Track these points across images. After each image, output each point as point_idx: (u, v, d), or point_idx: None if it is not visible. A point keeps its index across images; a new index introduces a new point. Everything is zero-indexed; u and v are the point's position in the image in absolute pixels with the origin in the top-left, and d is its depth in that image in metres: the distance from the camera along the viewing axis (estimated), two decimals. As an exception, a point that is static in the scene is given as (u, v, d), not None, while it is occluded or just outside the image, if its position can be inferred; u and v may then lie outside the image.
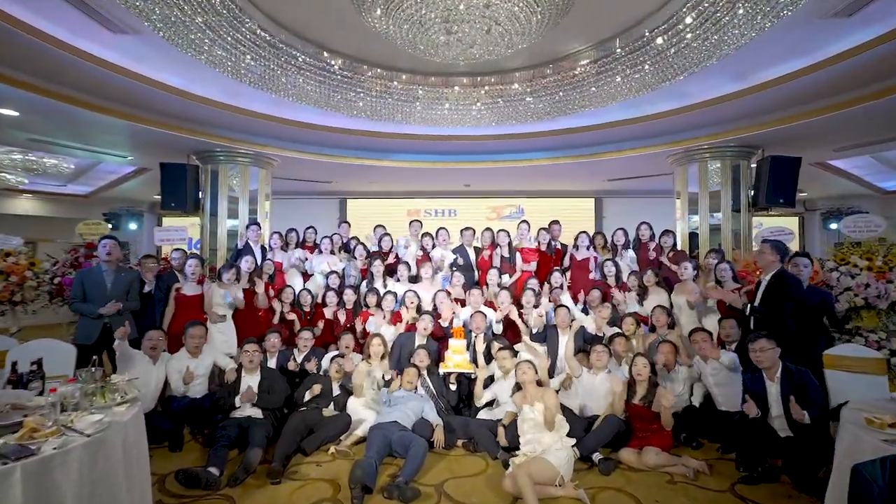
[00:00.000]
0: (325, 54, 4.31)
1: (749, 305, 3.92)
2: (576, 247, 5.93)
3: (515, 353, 4.54)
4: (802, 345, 3.64)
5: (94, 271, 4.36)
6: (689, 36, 3.55)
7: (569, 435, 3.36)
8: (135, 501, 2.38)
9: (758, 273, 5.41)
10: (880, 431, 2.16)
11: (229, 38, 3.65)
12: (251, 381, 4.00)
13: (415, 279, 5.61)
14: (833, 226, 11.10)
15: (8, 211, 10.36)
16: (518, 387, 3.67)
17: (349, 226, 6.91)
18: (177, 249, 5.51)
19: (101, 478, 2.13)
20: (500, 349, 4.23)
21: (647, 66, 4.01)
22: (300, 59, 4.06)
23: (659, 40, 3.64)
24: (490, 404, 4.20)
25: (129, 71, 4.54)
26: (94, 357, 2.73)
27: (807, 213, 11.67)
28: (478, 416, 4.12)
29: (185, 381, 3.97)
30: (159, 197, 10.40)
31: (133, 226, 11.30)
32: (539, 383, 3.69)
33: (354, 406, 4.16)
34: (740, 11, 3.17)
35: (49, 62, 4.21)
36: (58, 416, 2.23)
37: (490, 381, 4.31)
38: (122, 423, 2.36)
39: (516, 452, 3.36)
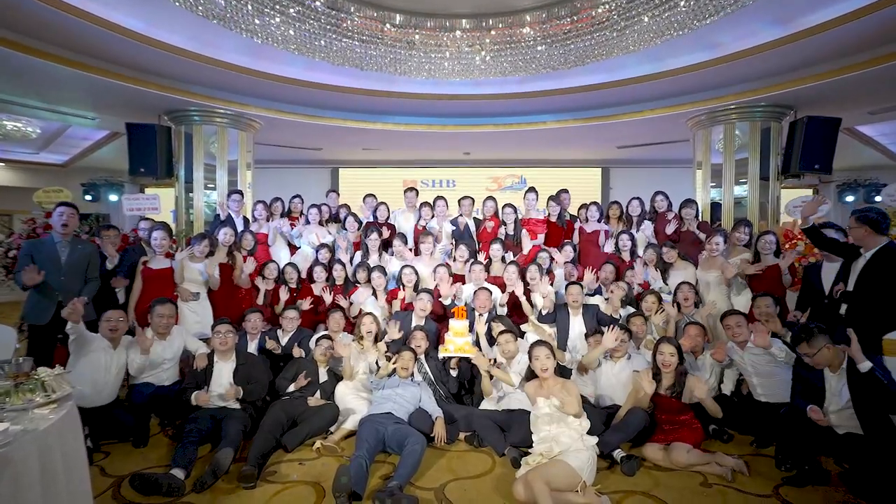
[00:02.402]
0: (306, -10, 3.68)
1: (842, 291, 3.33)
2: (585, 219, 5.43)
3: (522, 335, 4.10)
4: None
5: (46, 242, 3.83)
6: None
7: (588, 431, 2.91)
8: (62, 528, 1.90)
9: (790, 246, 4.92)
10: None
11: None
12: (225, 367, 3.54)
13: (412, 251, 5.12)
14: (849, 198, 10.63)
15: (-21, 181, 9.78)
16: (531, 374, 3.20)
17: (338, 195, 6.37)
18: (146, 219, 4.98)
19: (9, 505, 1.65)
20: (501, 332, 3.76)
21: (682, 2, 3.40)
22: (275, -9, 3.43)
23: (703, -35, 3.04)
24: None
25: (78, 8, 3.88)
26: (16, 346, 2.21)
27: (821, 185, 11.15)
28: (481, 407, 3.66)
29: (141, 350, 3.47)
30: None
31: (113, 197, 10.68)
32: (556, 371, 3.22)
33: (343, 394, 3.72)
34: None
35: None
36: (-52, 426, 1.74)
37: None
38: (42, 432, 1.86)
39: (528, 450, 2.92)
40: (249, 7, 3.43)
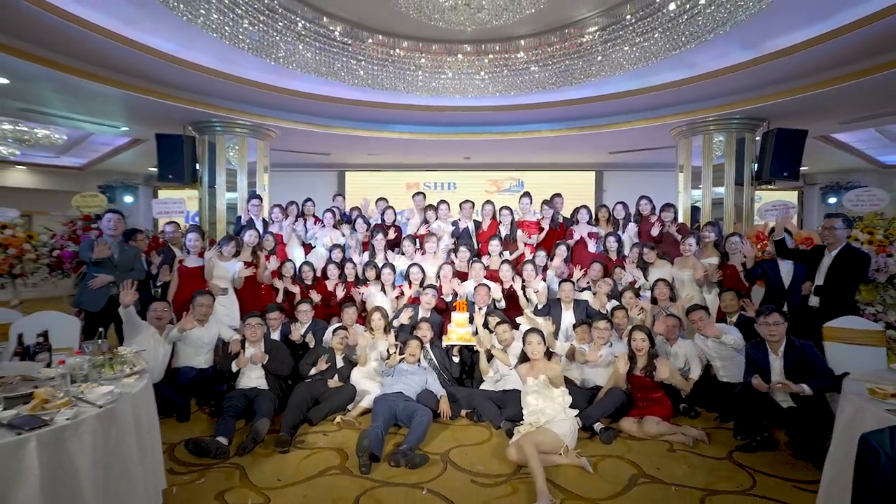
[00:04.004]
0: (325, 20, 4.17)
1: (814, 286, 3.93)
2: (576, 221, 5.91)
3: (516, 326, 4.59)
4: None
5: (99, 241, 4.33)
6: (702, 1, 3.45)
7: (571, 406, 3.41)
8: (147, 472, 2.40)
9: (761, 247, 5.44)
10: (883, 402, 2.20)
11: (226, 1, 3.51)
12: (254, 352, 4.01)
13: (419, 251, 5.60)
14: (832, 200, 11.13)
15: (1, 183, 10.21)
16: (524, 357, 3.70)
17: (344, 198, 6.88)
18: (169, 223, 5.47)
19: (114, 449, 2.14)
20: (498, 323, 4.25)
21: (657, 34, 3.90)
22: (300, 24, 3.92)
23: (672, 6, 3.53)
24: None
25: (122, 36, 4.38)
26: (100, 329, 2.72)
27: (806, 188, 11.67)
28: (480, 388, 4.17)
29: (179, 328, 3.96)
30: (154, 169, 10.30)
31: (128, 198, 11.18)
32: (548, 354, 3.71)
33: (358, 378, 4.20)
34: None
35: (40, 27, 4.07)
36: (68, 388, 2.24)
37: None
38: (133, 395, 2.36)
39: (520, 422, 3.41)
40: (278, 38, 3.92)
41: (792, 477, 2.97)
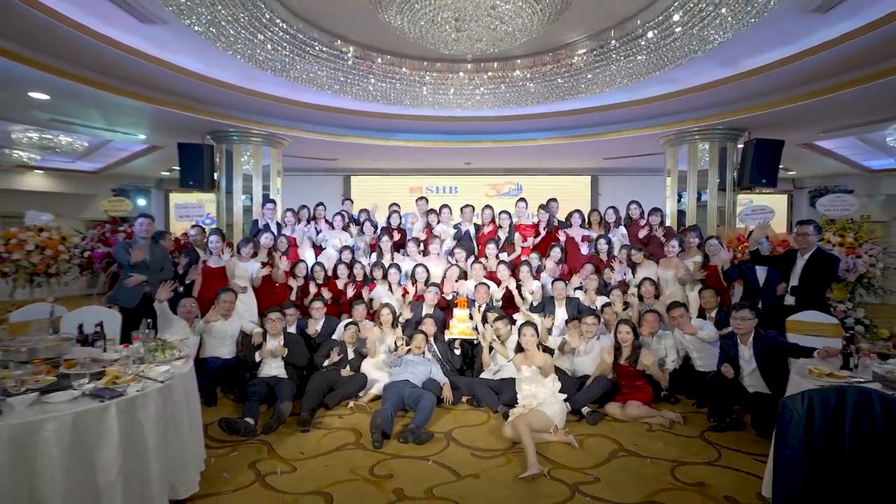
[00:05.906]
0: (339, 43, 4.59)
1: (790, 286, 4.34)
2: (569, 224, 6.32)
3: (513, 322, 4.99)
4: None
5: (134, 245, 4.74)
6: (678, 30, 3.86)
7: (561, 391, 3.82)
8: (194, 441, 2.82)
9: (742, 249, 5.86)
10: (818, 379, 2.62)
11: (251, 28, 3.93)
12: (275, 344, 4.42)
13: (422, 252, 6.00)
14: (820, 203, 11.51)
15: (19, 187, 10.58)
16: (519, 349, 4.10)
17: (352, 202, 7.29)
18: (194, 226, 5.88)
19: (171, 418, 2.56)
20: (496, 319, 4.65)
21: (639, 57, 4.32)
22: (317, 48, 4.34)
23: (650, 34, 3.95)
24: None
25: (154, 57, 4.81)
26: (148, 320, 3.13)
27: (795, 192, 12.03)
28: (480, 377, 4.58)
29: (205, 320, 4.44)
30: (167, 173, 10.74)
31: (142, 202, 11.57)
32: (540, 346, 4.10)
33: (368, 369, 4.59)
34: (723, 11, 3.48)
35: (80, 49, 4.49)
36: (131, 367, 2.66)
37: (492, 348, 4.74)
38: (182, 374, 2.78)
39: (515, 405, 3.81)
40: (297, 60, 4.34)
41: (753, 451, 3.38)
